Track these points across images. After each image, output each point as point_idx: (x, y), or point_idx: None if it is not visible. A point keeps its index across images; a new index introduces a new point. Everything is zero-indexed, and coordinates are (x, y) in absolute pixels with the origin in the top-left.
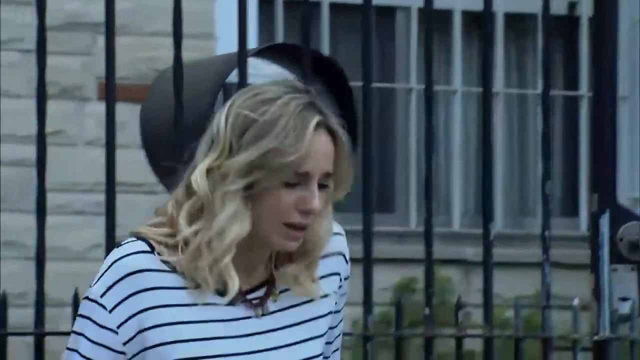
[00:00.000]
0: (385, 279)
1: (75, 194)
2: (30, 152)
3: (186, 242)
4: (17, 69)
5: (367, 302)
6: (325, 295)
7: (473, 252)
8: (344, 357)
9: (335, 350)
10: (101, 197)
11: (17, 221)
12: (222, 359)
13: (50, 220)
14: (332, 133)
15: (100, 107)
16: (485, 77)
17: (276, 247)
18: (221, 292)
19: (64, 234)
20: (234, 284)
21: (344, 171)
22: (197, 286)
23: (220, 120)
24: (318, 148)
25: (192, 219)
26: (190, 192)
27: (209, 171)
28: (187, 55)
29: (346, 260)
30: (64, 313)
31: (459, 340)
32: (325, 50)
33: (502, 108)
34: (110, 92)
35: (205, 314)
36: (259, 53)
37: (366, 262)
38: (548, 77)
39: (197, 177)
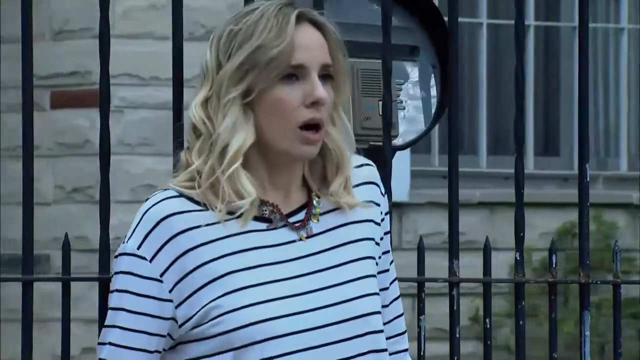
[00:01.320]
0: (549, 223)
1: None
2: None
3: (200, 173)
4: (162, 11)
5: (452, 246)
6: (368, 220)
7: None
8: (501, 303)
9: (395, 299)
10: None
11: (162, 164)
12: (272, 284)
13: None
14: (319, 27)
15: None
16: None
17: (296, 154)
18: (256, 217)
19: None
20: (248, 190)
21: (340, 63)
22: (231, 215)
23: (206, 51)
24: (305, 39)
25: (201, 153)
26: (197, 132)
27: (207, 101)
28: None
29: (382, 193)
30: None
31: (552, 287)
32: None
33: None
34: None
35: (248, 242)
36: None
37: (450, 205)
38: None
39: (193, 108)
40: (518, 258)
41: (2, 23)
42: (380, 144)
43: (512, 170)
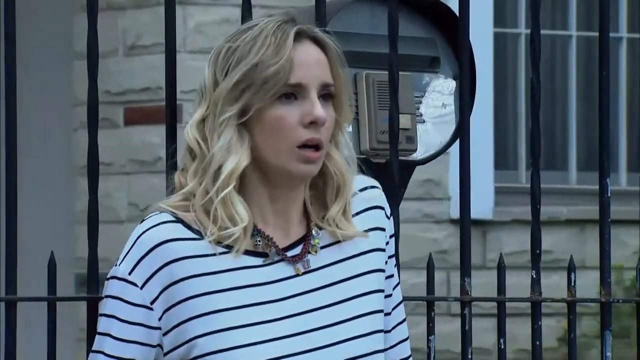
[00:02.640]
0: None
1: None
2: None
3: (194, 195)
4: (235, 25)
5: (464, 264)
6: (372, 250)
7: None
8: (591, 323)
9: (399, 323)
10: None
11: None
12: (263, 325)
13: None
14: (320, 44)
15: None
16: None
17: (295, 173)
18: (252, 252)
19: None
20: (241, 215)
21: (342, 81)
22: (227, 249)
23: (205, 70)
24: (304, 57)
25: (196, 174)
26: (192, 154)
27: (204, 121)
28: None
29: (387, 216)
30: None
31: (572, 306)
32: None
33: None
34: None
35: (241, 279)
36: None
37: (462, 222)
38: None
39: (188, 128)
40: (534, 276)
41: (74, 39)
42: (400, 158)
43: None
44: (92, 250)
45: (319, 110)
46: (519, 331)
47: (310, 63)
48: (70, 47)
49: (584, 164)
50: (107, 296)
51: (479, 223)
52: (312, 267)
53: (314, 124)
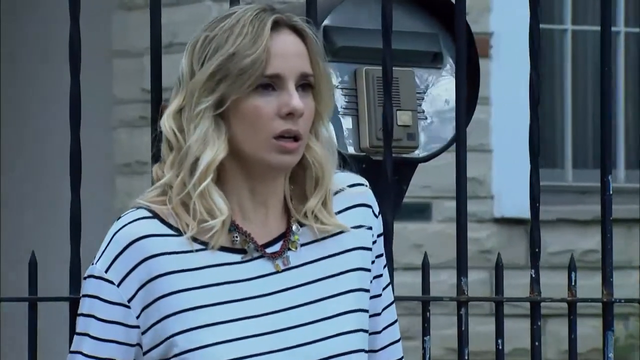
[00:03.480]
0: None
1: None
2: None
3: (171, 187)
4: None
5: (460, 264)
6: (356, 249)
7: None
8: (637, 324)
9: (390, 325)
10: None
11: None
12: (241, 322)
13: None
14: (299, 33)
15: None
16: None
17: (274, 163)
18: (229, 249)
19: None
20: (220, 207)
21: (321, 71)
22: (204, 246)
23: (182, 60)
24: (282, 47)
25: (173, 166)
26: (170, 144)
27: (180, 111)
28: None
29: (375, 214)
30: None
31: (572, 306)
32: None
33: None
34: None
35: (219, 276)
36: None
37: (458, 221)
38: None
39: (164, 119)
40: (533, 275)
41: (113, 37)
42: (402, 155)
43: None
44: (75, 251)
45: (296, 101)
46: (561, 333)
47: (287, 53)
48: (109, 45)
49: (631, 163)
50: (84, 295)
51: (523, 222)
52: (293, 264)
53: (291, 115)
